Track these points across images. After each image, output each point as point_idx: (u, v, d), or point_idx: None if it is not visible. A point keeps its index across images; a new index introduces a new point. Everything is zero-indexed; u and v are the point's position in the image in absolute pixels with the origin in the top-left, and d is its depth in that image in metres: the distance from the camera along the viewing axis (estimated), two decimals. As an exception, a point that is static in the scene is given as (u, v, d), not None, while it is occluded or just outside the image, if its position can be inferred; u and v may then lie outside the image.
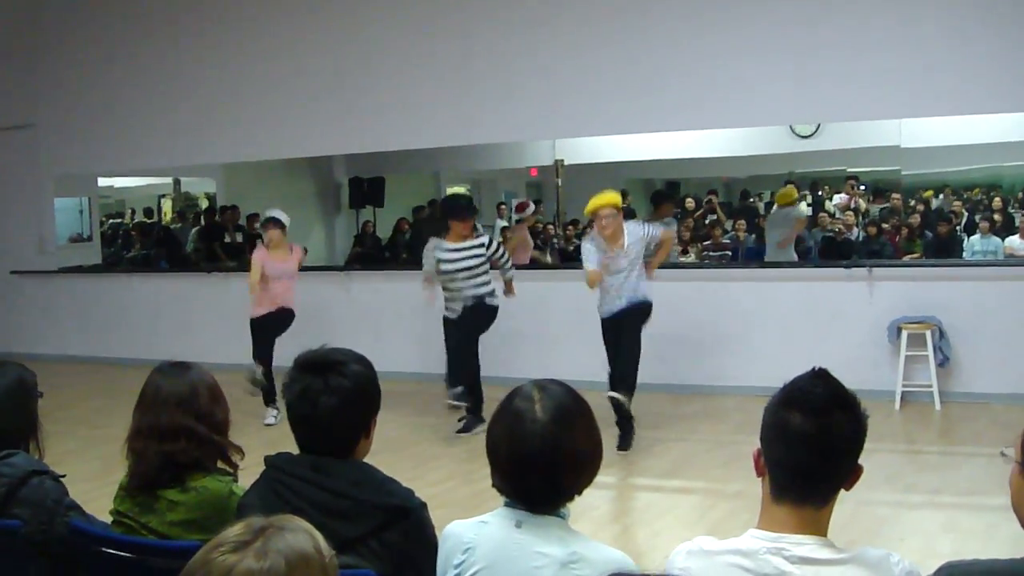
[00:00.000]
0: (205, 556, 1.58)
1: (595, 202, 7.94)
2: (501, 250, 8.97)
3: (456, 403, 8.70)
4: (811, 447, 2.17)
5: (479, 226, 9.43)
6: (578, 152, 15.23)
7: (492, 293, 8.81)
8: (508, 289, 9.06)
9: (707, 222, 14.44)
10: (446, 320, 8.88)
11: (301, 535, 1.63)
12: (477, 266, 8.68)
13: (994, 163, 14.51)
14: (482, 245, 8.74)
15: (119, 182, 17.36)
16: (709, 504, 6.81)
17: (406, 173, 17.95)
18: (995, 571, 2.15)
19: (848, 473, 2.23)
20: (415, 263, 12.01)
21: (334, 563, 1.66)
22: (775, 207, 12.73)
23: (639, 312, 8.04)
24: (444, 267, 8.70)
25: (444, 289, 8.84)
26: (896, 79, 9.20)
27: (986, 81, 8.93)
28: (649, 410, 8.00)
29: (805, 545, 2.16)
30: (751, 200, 16.28)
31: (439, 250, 8.74)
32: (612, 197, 7.98)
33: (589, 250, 7.95)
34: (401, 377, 10.03)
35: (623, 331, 8.00)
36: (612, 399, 7.79)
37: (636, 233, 8.02)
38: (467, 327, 8.72)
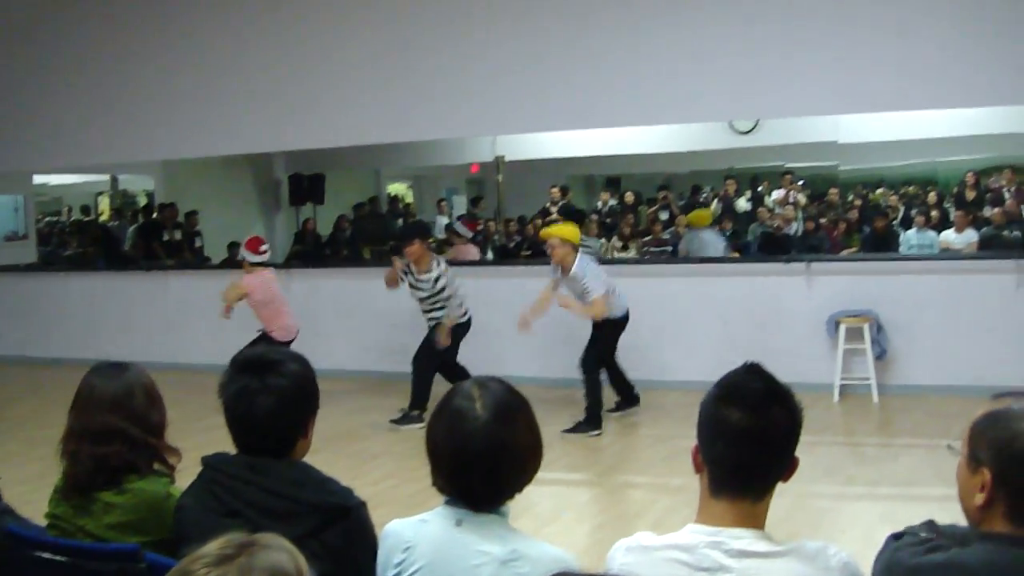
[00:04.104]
0: (186, 568, 1.55)
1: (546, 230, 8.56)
2: (445, 292, 8.69)
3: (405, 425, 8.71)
4: (750, 442, 2.18)
5: (434, 255, 8.97)
6: (519, 148, 15.25)
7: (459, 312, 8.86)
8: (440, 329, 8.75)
9: (661, 219, 14.35)
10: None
11: (284, 554, 1.60)
12: (430, 297, 8.75)
13: (930, 158, 14.73)
14: (429, 280, 8.68)
15: (55, 179, 17.16)
16: (651, 499, 6.83)
17: (346, 170, 17.88)
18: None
19: (785, 466, 2.25)
20: (355, 261, 11.97)
21: None
22: (687, 229, 12.46)
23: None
24: (409, 289, 8.86)
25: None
26: (833, 75, 9.27)
27: (922, 77, 9.02)
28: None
29: (743, 539, 2.17)
30: (703, 196, 16.35)
31: (404, 270, 8.86)
32: (559, 229, 8.40)
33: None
34: (341, 375, 9.97)
35: None
36: None
37: (580, 274, 8.20)
38: (439, 350, 8.80)
